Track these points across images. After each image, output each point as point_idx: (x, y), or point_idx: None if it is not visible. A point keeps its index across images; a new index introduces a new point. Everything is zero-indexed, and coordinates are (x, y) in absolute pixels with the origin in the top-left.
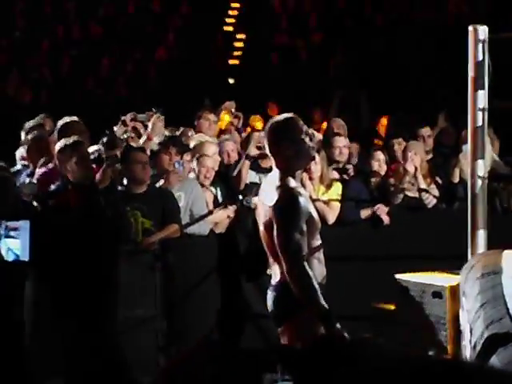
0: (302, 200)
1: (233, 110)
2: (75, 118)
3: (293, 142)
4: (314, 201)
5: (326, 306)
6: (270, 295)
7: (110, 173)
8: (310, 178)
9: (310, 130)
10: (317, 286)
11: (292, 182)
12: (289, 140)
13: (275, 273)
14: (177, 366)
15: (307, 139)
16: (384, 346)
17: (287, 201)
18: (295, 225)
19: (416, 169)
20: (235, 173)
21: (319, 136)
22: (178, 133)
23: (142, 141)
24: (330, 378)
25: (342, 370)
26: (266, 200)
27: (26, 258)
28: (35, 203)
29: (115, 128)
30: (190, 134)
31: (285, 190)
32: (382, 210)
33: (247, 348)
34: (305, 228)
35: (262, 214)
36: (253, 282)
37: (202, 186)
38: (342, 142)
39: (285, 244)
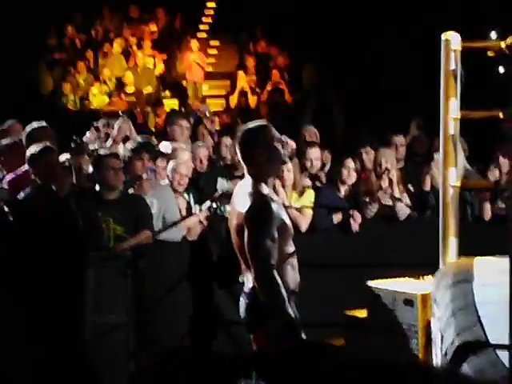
0: (274, 206)
1: (207, 114)
2: (43, 124)
3: (265, 148)
4: (286, 208)
5: (292, 315)
6: (243, 302)
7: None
8: (283, 186)
9: (283, 137)
10: (284, 295)
11: (264, 189)
12: (261, 147)
13: (248, 280)
14: (148, 374)
15: (279, 146)
16: (351, 353)
17: (259, 207)
18: (266, 231)
19: (390, 180)
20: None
21: (292, 144)
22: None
23: (108, 144)
24: None
25: (312, 376)
26: (238, 206)
27: None
28: (5, 208)
29: (87, 134)
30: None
31: (257, 196)
32: (356, 216)
33: (221, 354)
34: (276, 235)
35: (234, 221)
36: (225, 289)
37: (176, 192)
38: (314, 154)
39: (254, 250)
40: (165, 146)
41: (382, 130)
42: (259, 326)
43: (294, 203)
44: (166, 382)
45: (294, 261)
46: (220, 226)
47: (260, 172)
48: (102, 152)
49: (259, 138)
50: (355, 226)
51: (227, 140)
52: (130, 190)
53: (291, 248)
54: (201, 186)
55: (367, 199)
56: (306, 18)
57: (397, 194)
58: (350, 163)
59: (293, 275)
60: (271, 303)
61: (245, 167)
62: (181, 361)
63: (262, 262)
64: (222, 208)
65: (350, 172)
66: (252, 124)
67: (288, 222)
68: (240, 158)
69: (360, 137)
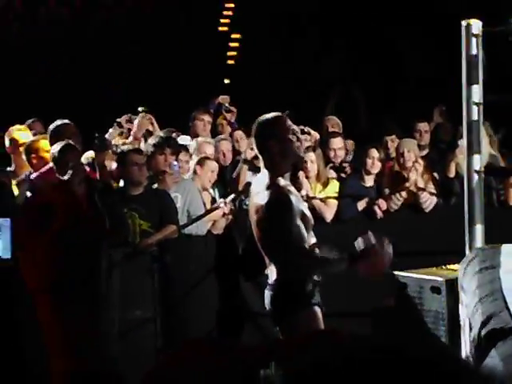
0: (293, 198)
1: (226, 104)
2: (67, 121)
3: (279, 140)
4: (311, 199)
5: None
6: (267, 294)
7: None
8: (307, 177)
9: (306, 128)
10: (322, 260)
11: (281, 181)
12: (275, 138)
13: (272, 272)
14: (165, 368)
15: (294, 139)
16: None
17: (278, 198)
18: (291, 220)
19: (414, 170)
20: (234, 175)
21: (316, 134)
22: (174, 134)
23: (128, 141)
24: (324, 373)
25: (336, 364)
26: (256, 199)
27: (7, 256)
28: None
29: (110, 130)
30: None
31: (274, 188)
32: (381, 204)
33: (239, 344)
34: (300, 223)
35: (254, 214)
36: (251, 282)
37: (204, 188)
38: (336, 144)
39: (286, 239)
40: (184, 139)
41: (406, 117)
42: (285, 317)
43: (318, 194)
44: (184, 377)
45: (316, 251)
46: (245, 219)
47: (275, 164)
48: (125, 148)
49: (273, 129)
50: (379, 212)
51: (238, 134)
52: (154, 185)
53: (312, 239)
54: (226, 179)
55: (391, 190)
56: (325, 13)
57: (421, 184)
58: (374, 153)
59: None
60: (322, 271)
61: (261, 160)
62: (198, 354)
63: (298, 249)
64: (247, 201)
65: (374, 162)
66: (267, 116)
67: (308, 213)
68: (256, 151)
69: (384, 126)
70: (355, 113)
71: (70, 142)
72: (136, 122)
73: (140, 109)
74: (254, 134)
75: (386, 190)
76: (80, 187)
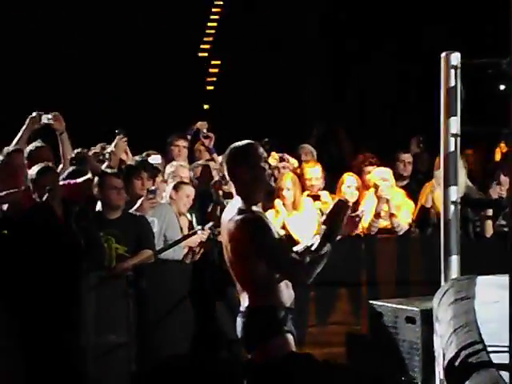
0: (269, 222)
1: (204, 130)
2: (42, 144)
3: (251, 167)
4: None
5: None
6: (239, 321)
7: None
8: (284, 204)
9: (284, 155)
10: (317, 260)
11: (255, 208)
12: (247, 165)
13: (244, 298)
14: None
15: (266, 166)
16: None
17: (255, 219)
18: (273, 235)
19: (387, 199)
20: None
21: (294, 162)
22: (144, 154)
23: (104, 165)
24: None
25: None
26: (229, 226)
27: None
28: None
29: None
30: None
31: (249, 213)
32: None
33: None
34: (279, 241)
35: (228, 242)
36: (226, 307)
37: (178, 211)
38: (314, 173)
39: (276, 259)
40: (155, 159)
41: (384, 146)
42: (257, 344)
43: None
44: None
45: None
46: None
47: (246, 191)
48: (104, 171)
49: (245, 156)
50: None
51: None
52: (131, 210)
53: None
54: (205, 205)
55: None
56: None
57: (393, 211)
58: (351, 181)
59: (287, 292)
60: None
61: (233, 187)
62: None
63: (289, 263)
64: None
65: (351, 190)
66: (239, 143)
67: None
68: (227, 177)
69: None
70: (338, 147)
71: (50, 164)
72: (113, 144)
73: (116, 131)
74: (225, 160)
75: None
76: (58, 209)
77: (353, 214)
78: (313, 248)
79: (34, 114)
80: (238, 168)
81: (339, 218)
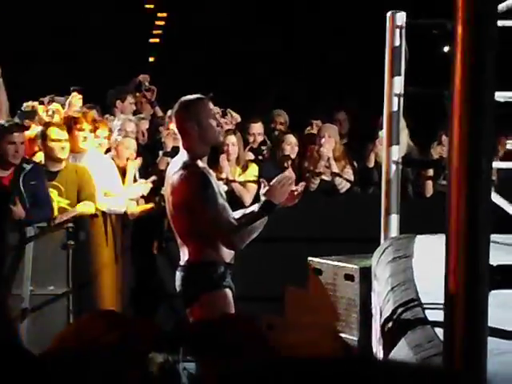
0: (212, 179)
1: (146, 83)
2: None
3: (199, 122)
4: (231, 182)
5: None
6: (178, 276)
7: None
8: (228, 160)
9: (228, 111)
10: (252, 230)
11: (200, 163)
12: (195, 121)
13: (184, 253)
14: (73, 332)
15: (215, 123)
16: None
17: (198, 177)
18: (214, 195)
19: (328, 156)
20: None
21: (237, 117)
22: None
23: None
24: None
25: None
26: (173, 180)
27: None
28: None
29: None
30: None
31: (193, 168)
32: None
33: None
34: (221, 201)
35: (170, 195)
36: (167, 261)
37: (122, 166)
38: (256, 129)
39: (215, 217)
40: (59, 100)
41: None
42: (194, 299)
43: (238, 178)
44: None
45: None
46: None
47: (194, 146)
48: (47, 122)
49: (195, 111)
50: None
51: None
52: (73, 162)
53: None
54: (147, 159)
55: (310, 174)
56: None
57: (335, 169)
58: (292, 138)
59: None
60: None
61: (180, 140)
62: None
63: (226, 225)
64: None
65: (292, 147)
66: (189, 97)
67: (224, 195)
68: (175, 130)
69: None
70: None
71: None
72: (68, 101)
73: (71, 88)
74: (174, 113)
75: (307, 172)
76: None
77: (293, 188)
78: (250, 216)
79: None
80: (186, 122)
81: (281, 192)
